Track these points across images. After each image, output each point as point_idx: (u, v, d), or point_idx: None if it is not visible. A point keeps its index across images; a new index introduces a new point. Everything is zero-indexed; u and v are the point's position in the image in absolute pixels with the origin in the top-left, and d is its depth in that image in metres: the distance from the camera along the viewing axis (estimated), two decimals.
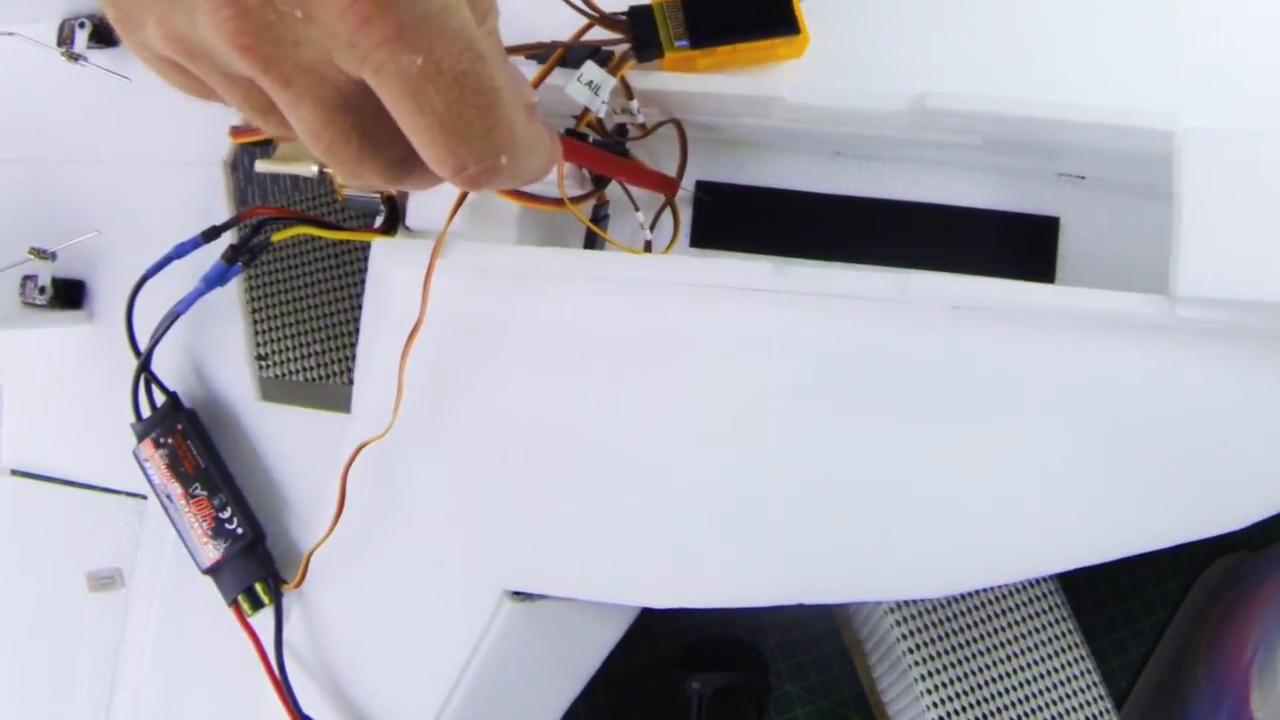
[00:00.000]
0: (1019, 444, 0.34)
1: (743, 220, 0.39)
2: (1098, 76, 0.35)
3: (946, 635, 0.49)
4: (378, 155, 0.22)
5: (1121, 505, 0.33)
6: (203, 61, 0.21)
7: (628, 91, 0.35)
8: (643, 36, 0.33)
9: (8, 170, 0.47)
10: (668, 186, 0.37)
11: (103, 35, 0.46)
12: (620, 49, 0.34)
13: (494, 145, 0.21)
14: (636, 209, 0.37)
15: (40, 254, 0.44)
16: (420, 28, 0.19)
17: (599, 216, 0.38)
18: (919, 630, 0.50)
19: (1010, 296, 0.32)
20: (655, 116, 0.37)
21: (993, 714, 0.49)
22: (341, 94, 0.20)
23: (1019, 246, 0.38)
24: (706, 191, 0.39)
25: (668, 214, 0.38)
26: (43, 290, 0.44)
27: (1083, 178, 0.37)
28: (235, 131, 0.41)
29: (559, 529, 0.37)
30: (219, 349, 0.43)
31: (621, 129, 0.37)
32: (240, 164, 0.45)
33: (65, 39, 0.45)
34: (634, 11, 0.34)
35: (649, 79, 0.35)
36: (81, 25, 0.45)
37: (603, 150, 0.35)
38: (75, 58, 0.45)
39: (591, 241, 0.38)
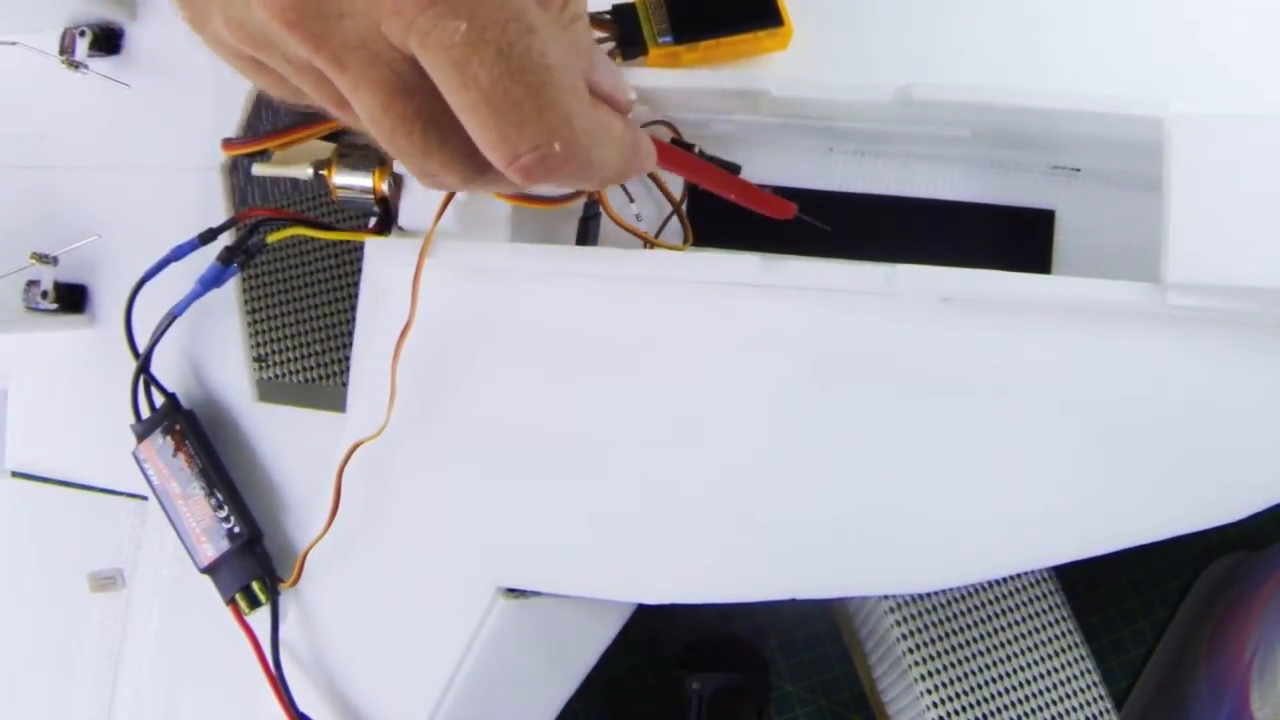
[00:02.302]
0: (1012, 435, 0.34)
1: (737, 218, 0.39)
2: (1087, 65, 0.35)
3: (946, 635, 0.49)
4: (443, 147, 0.21)
5: (1116, 497, 0.33)
6: (268, 50, 0.21)
7: None
8: (626, 34, 0.34)
9: (10, 177, 0.48)
10: (782, 210, 0.34)
11: (103, 44, 0.46)
12: (605, 47, 0.34)
13: (546, 128, 0.20)
14: (631, 200, 0.38)
15: (42, 259, 0.45)
16: None
17: (590, 214, 0.39)
18: (919, 630, 0.49)
19: (998, 287, 0.32)
20: (645, 115, 0.37)
21: (993, 714, 0.48)
22: (400, 77, 0.20)
23: (1015, 240, 0.38)
24: (700, 189, 0.40)
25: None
26: (45, 295, 0.45)
27: (1078, 170, 0.37)
28: (228, 144, 0.41)
29: (553, 526, 0.37)
30: (217, 350, 0.44)
31: None
32: (240, 167, 0.45)
33: (66, 48, 0.46)
34: (617, 9, 0.34)
35: (634, 76, 0.35)
36: (82, 34, 0.46)
37: (709, 163, 0.34)
38: (76, 66, 0.46)
39: (583, 238, 0.38)
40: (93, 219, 0.46)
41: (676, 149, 0.32)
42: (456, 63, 0.19)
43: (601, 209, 0.38)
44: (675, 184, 0.39)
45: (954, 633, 0.49)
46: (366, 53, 0.20)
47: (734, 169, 0.36)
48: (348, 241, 0.43)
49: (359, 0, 0.19)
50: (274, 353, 0.44)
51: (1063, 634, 0.49)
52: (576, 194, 0.37)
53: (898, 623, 0.50)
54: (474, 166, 0.21)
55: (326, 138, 0.40)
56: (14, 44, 0.45)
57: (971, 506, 0.34)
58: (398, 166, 0.37)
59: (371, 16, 0.19)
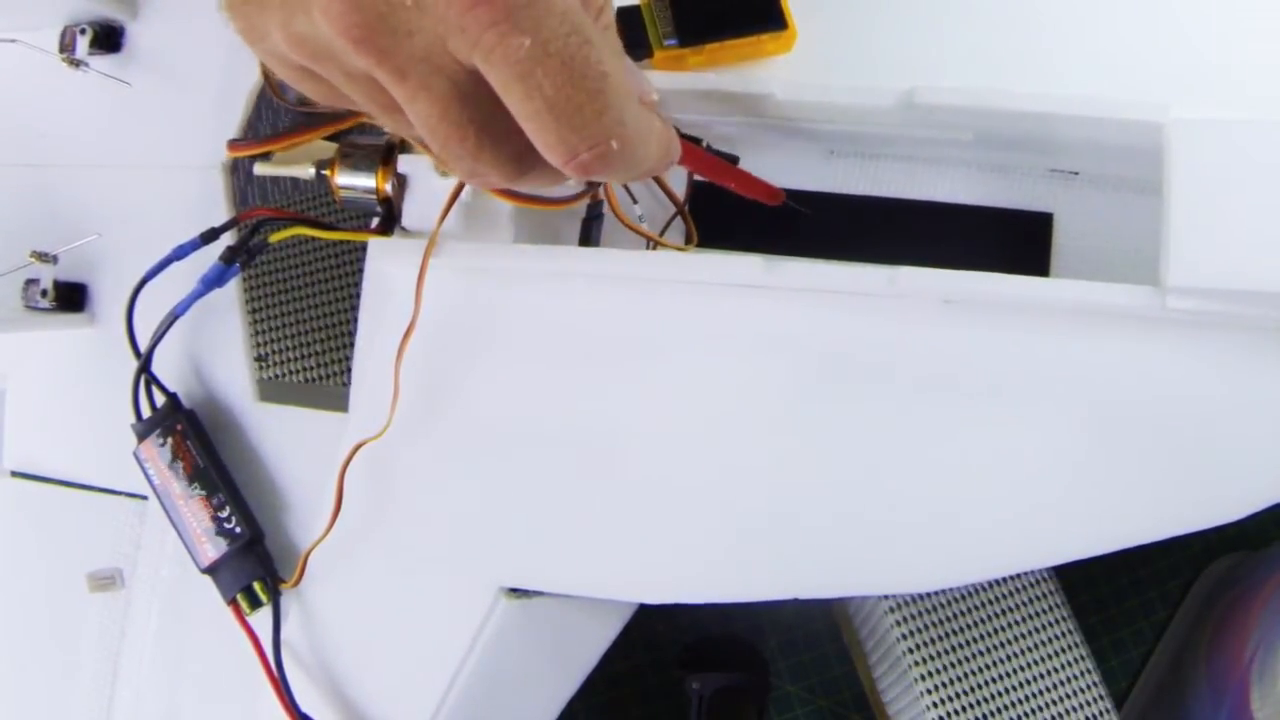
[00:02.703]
0: (1013, 437, 0.34)
1: (739, 219, 0.40)
2: (1088, 70, 0.35)
3: (946, 635, 0.49)
4: (495, 150, 0.22)
5: (1116, 497, 0.33)
6: (327, 62, 0.22)
7: None
8: (632, 37, 0.34)
9: (10, 175, 0.48)
10: (773, 196, 0.37)
11: (104, 41, 0.46)
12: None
13: (604, 129, 0.21)
14: (634, 201, 0.38)
15: (42, 257, 0.45)
16: (526, 10, 0.20)
17: (593, 215, 0.39)
18: (919, 630, 0.49)
19: (1000, 290, 0.32)
20: None
21: (993, 714, 0.48)
22: (457, 86, 0.21)
23: (1013, 243, 0.38)
24: (703, 190, 0.40)
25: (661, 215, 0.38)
26: (45, 293, 0.45)
27: (1076, 174, 0.37)
28: (233, 145, 0.41)
29: (555, 526, 0.37)
30: (218, 350, 0.44)
31: None
32: (240, 166, 0.45)
33: (67, 45, 0.46)
34: (622, 12, 0.34)
35: None
36: (83, 32, 0.46)
37: (715, 156, 0.35)
38: (76, 64, 0.46)
39: (586, 239, 0.39)
40: (93, 217, 0.46)
41: (690, 144, 0.33)
42: (521, 75, 0.20)
43: (605, 209, 0.38)
44: (679, 184, 0.39)
45: (954, 633, 0.49)
46: (428, 65, 0.21)
47: (733, 160, 0.37)
48: (349, 241, 0.43)
49: (426, 19, 0.20)
50: (275, 352, 0.44)
51: (1063, 634, 0.50)
52: (581, 194, 0.37)
53: (898, 623, 0.50)
54: (521, 166, 0.23)
55: (328, 138, 0.40)
56: (13, 41, 0.45)
57: (972, 507, 0.34)
58: (402, 166, 0.37)
59: (438, 33, 0.20)
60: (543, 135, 0.21)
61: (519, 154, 0.22)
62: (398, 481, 0.38)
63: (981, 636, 0.49)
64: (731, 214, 0.39)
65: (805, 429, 0.35)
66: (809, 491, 0.35)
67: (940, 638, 0.49)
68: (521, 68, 0.20)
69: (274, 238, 0.40)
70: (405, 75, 0.21)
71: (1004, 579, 0.50)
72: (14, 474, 0.47)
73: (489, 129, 0.22)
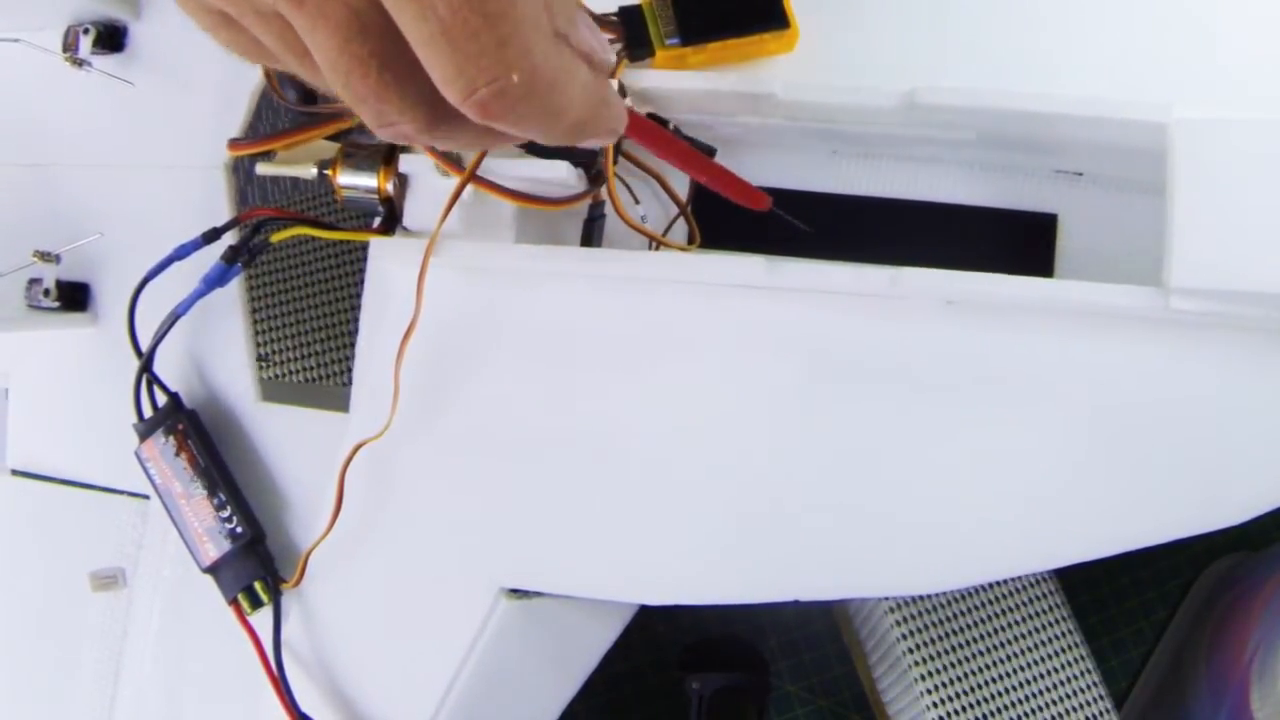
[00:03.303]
0: (1015, 439, 0.34)
1: (741, 220, 0.40)
2: (1092, 70, 0.35)
3: (946, 635, 0.49)
4: (400, 89, 0.20)
5: (1118, 500, 0.33)
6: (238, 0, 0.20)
7: (621, 92, 0.35)
8: (633, 35, 0.34)
9: (13, 174, 0.48)
10: (758, 201, 0.34)
11: (106, 41, 0.46)
12: (613, 49, 0.34)
13: (505, 61, 0.19)
14: (637, 201, 0.38)
15: (45, 257, 0.45)
16: None
17: (595, 215, 0.39)
18: (919, 630, 0.50)
19: (1002, 291, 0.32)
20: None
21: (993, 714, 0.48)
22: (357, 15, 0.19)
23: (1017, 244, 0.38)
24: (706, 191, 0.40)
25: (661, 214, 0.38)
26: (47, 293, 0.45)
27: (1080, 174, 0.37)
28: (233, 144, 0.41)
29: (556, 526, 0.37)
30: (220, 350, 0.44)
31: None
32: (241, 166, 0.45)
33: (70, 45, 0.46)
34: (624, 11, 0.34)
35: (642, 78, 0.35)
36: (86, 31, 0.46)
37: (684, 142, 0.33)
38: (80, 63, 0.46)
39: (588, 240, 0.39)
40: (95, 217, 0.46)
41: (649, 121, 0.30)
42: None
43: (608, 209, 0.38)
44: (681, 185, 0.39)
45: (954, 633, 0.49)
46: None
47: (709, 151, 0.36)
48: (350, 241, 0.43)
49: None
50: (277, 352, 0.44)
51: (1063, 634, 0.50)
52: (583, 194, 0.37)
53: (898, 623, 0.50)
54: (433, 112, 0.21)
55: (330, 137, 0.40)
56: (17, 41, 0.45)
57: (973, 509, 0.34)
58: (404, 166, 0.37)
59: None
60: (439, 65, 0.19)
61: (428, 98, 0.20)
62: (398, 481, 0.39)
63: (981, 636, 0.49)
64: (734, 214, 0.39)
65: (806, 430, 0.35)
66: (810, 493, 0.35)
67: (940, 638, 0.49)
68: None
69: (275, 237, 0.40)
70: (302, 1, 0.19)
71: (1004, 579, 0.50)
72: (16, 473, 0.47)
73: (393, 65, 0.20)
